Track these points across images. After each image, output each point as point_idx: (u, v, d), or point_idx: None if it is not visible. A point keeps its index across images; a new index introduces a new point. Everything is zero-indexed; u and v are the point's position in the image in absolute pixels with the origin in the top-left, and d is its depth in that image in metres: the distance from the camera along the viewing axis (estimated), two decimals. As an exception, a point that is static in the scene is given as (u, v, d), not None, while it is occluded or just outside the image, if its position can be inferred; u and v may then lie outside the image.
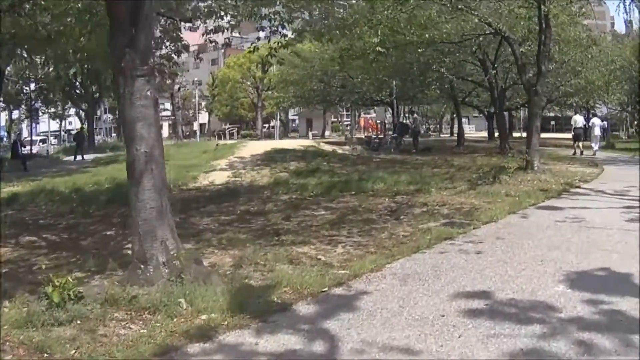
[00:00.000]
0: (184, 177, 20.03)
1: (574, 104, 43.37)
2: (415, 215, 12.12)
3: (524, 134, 40.32)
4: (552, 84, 36.56)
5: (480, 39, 24.42)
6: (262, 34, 15.34)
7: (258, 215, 13.21)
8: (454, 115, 62.88)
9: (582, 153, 28.99)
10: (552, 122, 74.42)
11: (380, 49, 17.09)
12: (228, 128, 77.73)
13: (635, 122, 39.97)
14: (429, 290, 6.67)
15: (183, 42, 16.14)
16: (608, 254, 8.15)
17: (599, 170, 20.51)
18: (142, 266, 6.81)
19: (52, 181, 21.44)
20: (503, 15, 20.14)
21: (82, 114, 62.00)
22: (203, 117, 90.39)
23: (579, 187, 15.98)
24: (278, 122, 60.69)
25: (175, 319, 5.77)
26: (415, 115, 39.97)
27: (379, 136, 37.96)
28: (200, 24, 15.20)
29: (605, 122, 48.52)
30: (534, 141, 18.33)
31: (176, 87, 68.30)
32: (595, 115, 36.25)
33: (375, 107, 50.94)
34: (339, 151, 27.93)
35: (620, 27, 60.56)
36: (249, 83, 69.46)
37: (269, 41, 14.78)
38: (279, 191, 16.58)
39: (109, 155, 36.70)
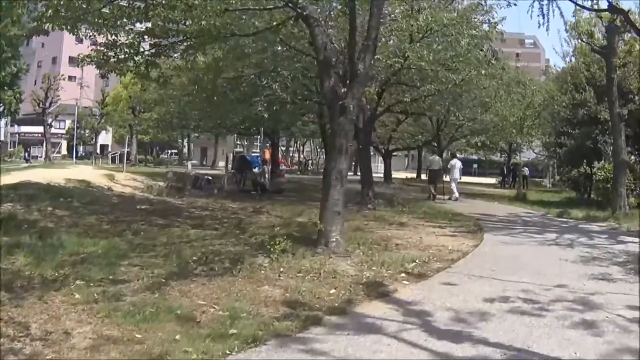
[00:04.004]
0: None
1: (479, 144, 36.02)
2: None
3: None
4: (454, 118, 28.79)
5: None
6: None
7: None
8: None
9: (434, 198, 24.25)
10: (475, 165, 67.82)
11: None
12: (111, 152, 68.81)
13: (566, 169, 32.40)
14: None
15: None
16: None
17: (474, 242, 12.14)
18: None
19: None
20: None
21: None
22: (107, 138, 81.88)
23: (389, 293, 7.47)
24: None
25: None
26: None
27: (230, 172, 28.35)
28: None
29: (526, 169, 41.54)
30: (334, 196, 9.81)
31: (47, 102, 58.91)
32: (454, 156, 29.38)
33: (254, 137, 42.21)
34: (123, 190, 19.30)
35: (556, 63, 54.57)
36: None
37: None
38: None
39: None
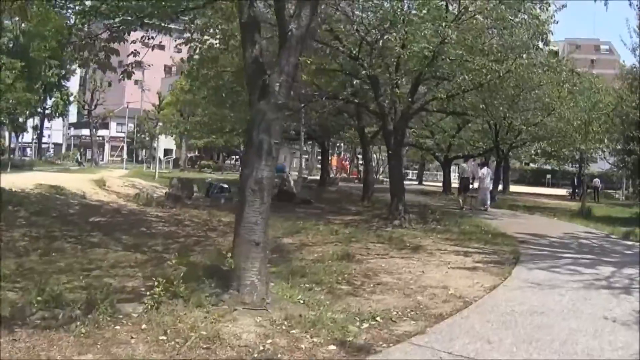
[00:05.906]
0: None
1: (539, 152, 32.14)
2: None
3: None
4: (517, 123, 25.21)
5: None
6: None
7: None
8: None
9: (462, 208, 22.98)
10: (548, 176, 63.36)
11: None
12: (166, 157, 67.33)
13: (637, 181, 28.59)
14: None
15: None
16: None
17: (492, 282, 8.81)
18: None
19: None
20: None
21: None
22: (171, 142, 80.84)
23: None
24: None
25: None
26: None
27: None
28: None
29: (597, 180, 37.38)
30: (249, 218, 6.53)
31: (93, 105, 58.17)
32: (485, 164, 27.32)
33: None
34: (103, 198, 17.11)
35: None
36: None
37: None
38: None
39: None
